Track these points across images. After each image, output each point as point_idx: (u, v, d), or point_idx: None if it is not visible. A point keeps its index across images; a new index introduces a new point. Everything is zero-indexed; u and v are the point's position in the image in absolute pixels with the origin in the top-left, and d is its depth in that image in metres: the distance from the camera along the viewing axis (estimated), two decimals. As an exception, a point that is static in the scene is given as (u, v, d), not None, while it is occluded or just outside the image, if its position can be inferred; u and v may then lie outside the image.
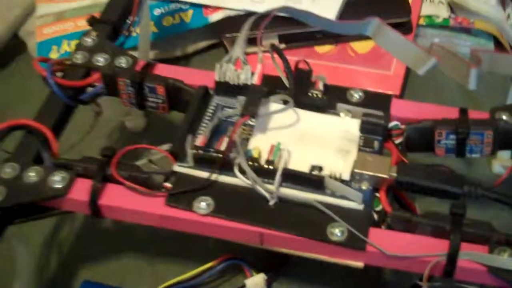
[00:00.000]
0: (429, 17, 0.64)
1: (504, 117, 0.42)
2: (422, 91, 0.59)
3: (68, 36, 0.65)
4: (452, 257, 0.37)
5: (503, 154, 0.52)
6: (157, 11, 0.65)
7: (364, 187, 0.40)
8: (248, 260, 0.47)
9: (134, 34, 0.62)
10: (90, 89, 0.49)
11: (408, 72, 0.60)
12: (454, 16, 0.63)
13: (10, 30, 0.68)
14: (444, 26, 0.63)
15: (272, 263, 0.48)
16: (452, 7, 0.64)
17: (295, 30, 0.59)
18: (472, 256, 0.37)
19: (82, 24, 0.65)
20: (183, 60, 0.65)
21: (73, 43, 0.64)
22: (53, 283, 0.50)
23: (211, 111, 0.45)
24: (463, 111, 0.43)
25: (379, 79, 0.59)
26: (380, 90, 0.57)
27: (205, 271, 0.47)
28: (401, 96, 0.59)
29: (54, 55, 0.65)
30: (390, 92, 0.57)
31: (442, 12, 0.64)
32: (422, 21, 0.64)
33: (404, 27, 0.61)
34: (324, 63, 0.61)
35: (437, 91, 0.60)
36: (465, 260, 0.37)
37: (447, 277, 0.38)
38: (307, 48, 0.62)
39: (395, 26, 0.60)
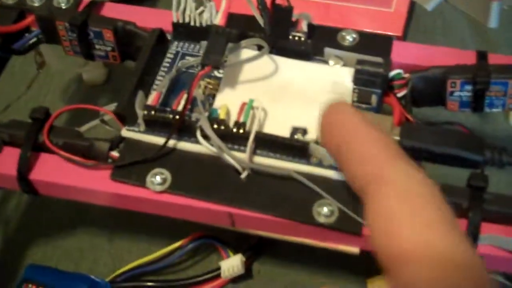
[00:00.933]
0: None
1: (532, 62, 0.34)
2: (428, 32, 0.53)
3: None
4: (471, 241, 0.29)
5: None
6: None
7: (359, 154, 0.32)
8: (223, 238, 0.40)
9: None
10: (26, 36, 0.40)
11: (412, 9, 0.52)
12: None
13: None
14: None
15: (251, 241, 0.40)
16: None
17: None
18: (496, 240, 0.30)
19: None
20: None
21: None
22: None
23: (168, 60, 0.36)
24: (482, 55, 0.35)
25: (377, 18, 0.51)
26: (378, 31, 0.49)
27: (173, 251, 0.41)
28: (403, 38, 0.51)
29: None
30: (390, 34, 0.50)
31: None
32: None
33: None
34: (312, 0, 0.52)
35: (445, 32, 0.53)
36: (487, 245, 0.30)
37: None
38: (293, -17, 0.54)
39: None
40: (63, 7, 0.39)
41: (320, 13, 0.52)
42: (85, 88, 0.51)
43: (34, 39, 0.40)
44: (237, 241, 0.40)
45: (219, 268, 0.40)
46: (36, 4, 0.40)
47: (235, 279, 0.40)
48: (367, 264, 0.38)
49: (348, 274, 0.40)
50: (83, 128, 0.40)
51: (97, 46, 0.39)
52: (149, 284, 0.40)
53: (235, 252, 0.40)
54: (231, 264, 0.39)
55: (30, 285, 0.39)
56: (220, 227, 0.34)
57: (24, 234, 0.44)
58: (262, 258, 0.41)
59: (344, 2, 0.52)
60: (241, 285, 0.40)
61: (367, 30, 0.50)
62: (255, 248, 0.40)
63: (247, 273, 0.40)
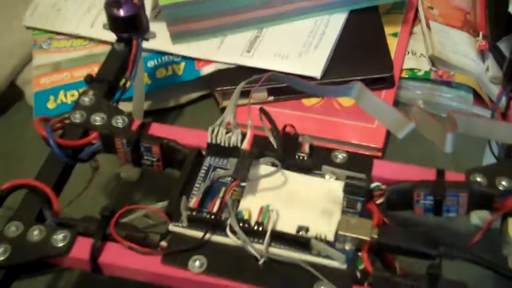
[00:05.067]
0: (411, 70, 0.68)
1: (478, 179, 0.45)
2: (404, 142, 0.61)
3: (64, 86, 0.68)
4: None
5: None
6: (150, 63, 0.68)
7: (347, 247, 0.42)
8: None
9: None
10: (88, 147, 0.51)
11: (391, 124, 0.63)
12: (435, 69, 0.67)
13: (8, 78, 0.71)
14: (425, 79, 0.67)
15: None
16: (433, 61, 0.67)
17: (283, 84, 0.62)
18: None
19: (78, 75, 0.68)
20: (176, 110, 0.68)
21: (69, 93, 0.67)
22: None
23: (203, 171, 0.47)
24: (440, 173, 0.46)
25: (363, 131, 0.62)
26: (364, 143, 0.61)
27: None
28: (384, 146, 0.62)
29: (51, 104, 0.67)
30: (373, 145, 0.61)
31: (423, 66, 0.68)
32: (404, 74, 0.67)
33: (387, 81, 0.65)
34: (310, 115, 0.64)
35: (419, 143, 0.62)
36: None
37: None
38: (294, 101, 0.65)
39: (379, 80, 0.64)
40: (120, 126, 0.50)
41: (316, 127, 0.63)
42: (122, 184, 0.62)
43: (95, 150, 0.51)
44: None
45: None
46: (98, 123, 0.51)
47: None
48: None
49: None
50: (130, 217, 0.50)
51: (145, 157, 0.50)
52: None
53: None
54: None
55: None
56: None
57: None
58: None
59: (336, 118, 0.63)
60: None
61: (354, 142, 0.62)
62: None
63: None
